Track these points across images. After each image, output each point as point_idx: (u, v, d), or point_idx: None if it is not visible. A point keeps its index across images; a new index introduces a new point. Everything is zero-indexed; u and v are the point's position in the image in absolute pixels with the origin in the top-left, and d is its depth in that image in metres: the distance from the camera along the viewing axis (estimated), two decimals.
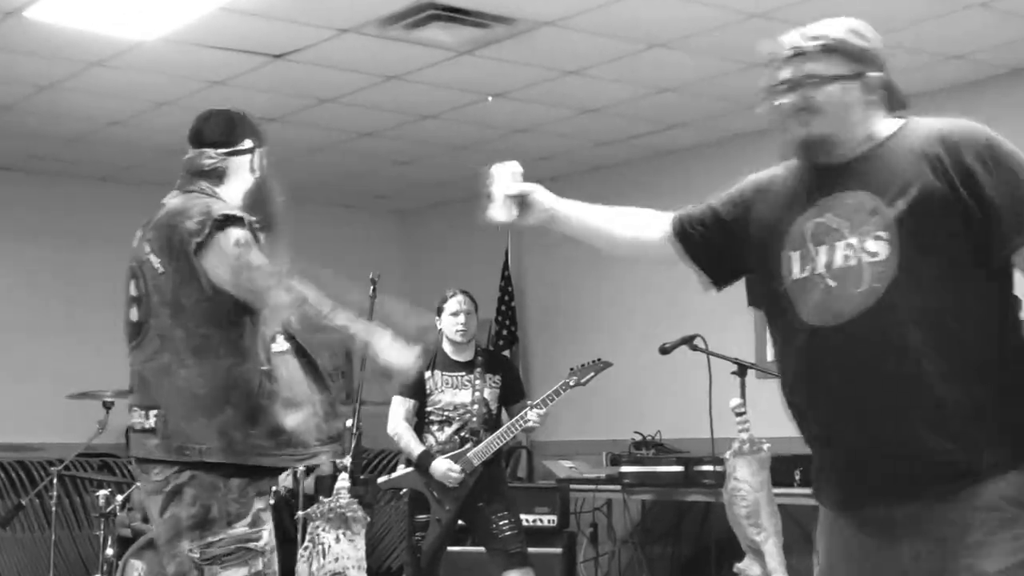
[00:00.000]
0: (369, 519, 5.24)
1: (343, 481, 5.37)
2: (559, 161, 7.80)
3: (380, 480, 5.53)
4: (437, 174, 8.16)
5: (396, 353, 3.04)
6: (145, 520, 6.16)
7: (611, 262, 7.89)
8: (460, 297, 5.59)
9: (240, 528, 3.05)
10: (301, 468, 6.12)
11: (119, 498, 6.09)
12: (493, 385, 5.52)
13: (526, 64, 5.89)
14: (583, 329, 7.93)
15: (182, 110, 6.46)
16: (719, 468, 5.31)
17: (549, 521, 6.36)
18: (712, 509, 5.88)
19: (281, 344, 3.14)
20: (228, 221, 3.06)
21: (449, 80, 6.12)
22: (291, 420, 3.08)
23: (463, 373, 5.50)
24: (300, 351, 3.15)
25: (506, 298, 8.19)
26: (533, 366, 7.94)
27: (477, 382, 5.48)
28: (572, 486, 6.62)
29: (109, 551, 5.91)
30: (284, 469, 3.10)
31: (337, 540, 5.11)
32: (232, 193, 3.23)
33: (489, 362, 5.62)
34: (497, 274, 8.23)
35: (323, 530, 5.11)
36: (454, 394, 5.45)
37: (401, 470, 5.47)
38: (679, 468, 6.04)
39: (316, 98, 6.43)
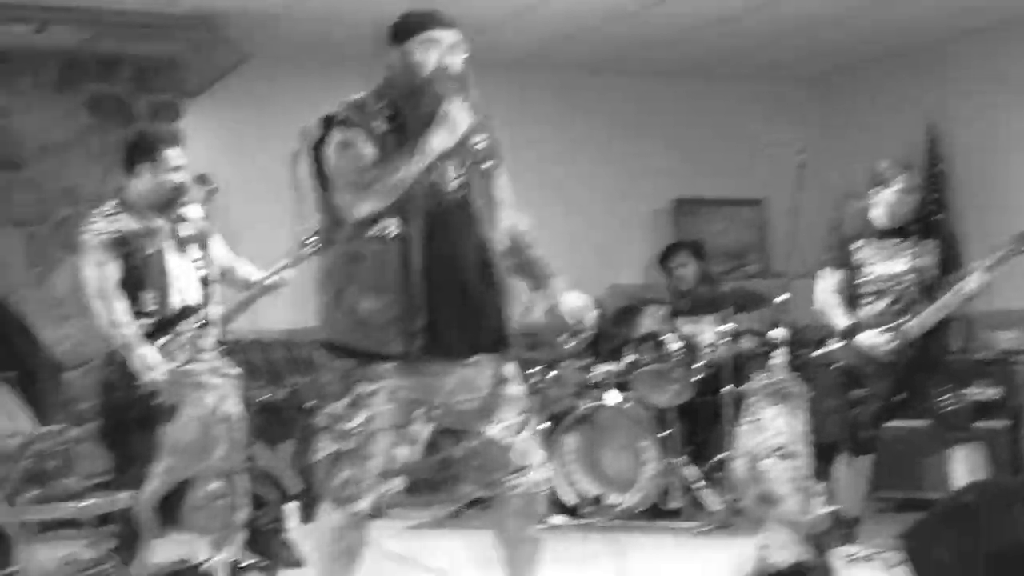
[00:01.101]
0: (810, 394, 5.20)
1: (780, 356, 5.38)
2: (999, 9, 7.34)
3: (813, 354, 5.36)
4: (856, 33, 7.78)
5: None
6: (576, 396, 6.37)
7: None
8: (908, 175, 5.25)
9: (338, 407, 3.23)
10: (727, 343, 6.17)
11: (552, 374, 6.30)
12: (929, 253, 5.22)
13: None
14: (1016, 193, 7.49)
15: None
16: None
17: (993, 394, 6.11)
18: None
19: (390, 227, 3.20)
20: (329, 123, 3.22)
21: None
22: (366, 304, 3.17)
23: (897, 240, 5.23)
24: (401, 239, 3.17)
25: (933, 160, 7.78)
26: (962, 234, 7.51)
27: (913, 250, 5.21)
28: (1016, 358, 6.35)
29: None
30: (378, 356, 3.15)
31: (776, 415, 5.16)
32: (386, 86, 3.33)
33: (925, 229, 5.29)
34: (919, 138, 7.81)
35: (762, 405, 5.15)
36: (887, 265, 5.20)
37: (834, 343, 5.23)
38: None
39: None
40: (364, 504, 3.23)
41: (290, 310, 6.40)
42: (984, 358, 6.50)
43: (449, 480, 6.42)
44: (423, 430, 3.30)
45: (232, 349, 4.88)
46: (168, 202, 4.71)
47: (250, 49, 7.01)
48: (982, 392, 6.03)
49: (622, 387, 6.33)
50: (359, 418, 3.21)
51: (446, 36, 3.28)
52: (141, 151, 4.73)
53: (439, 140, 3.16)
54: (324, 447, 3.27)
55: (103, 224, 4.63)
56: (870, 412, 5.21)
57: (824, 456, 5.22)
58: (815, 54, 8.31)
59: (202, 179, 4.92)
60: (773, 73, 8.79)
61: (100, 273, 4.58)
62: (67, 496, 4.75)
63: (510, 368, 3.40)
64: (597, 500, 6.11)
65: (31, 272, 6.69)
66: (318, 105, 7.64)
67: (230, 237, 5.02)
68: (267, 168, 7.38)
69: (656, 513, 6.08)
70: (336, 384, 3.25)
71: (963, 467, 5.02)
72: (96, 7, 6.47)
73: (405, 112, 3.27)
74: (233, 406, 4.59)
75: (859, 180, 5.42)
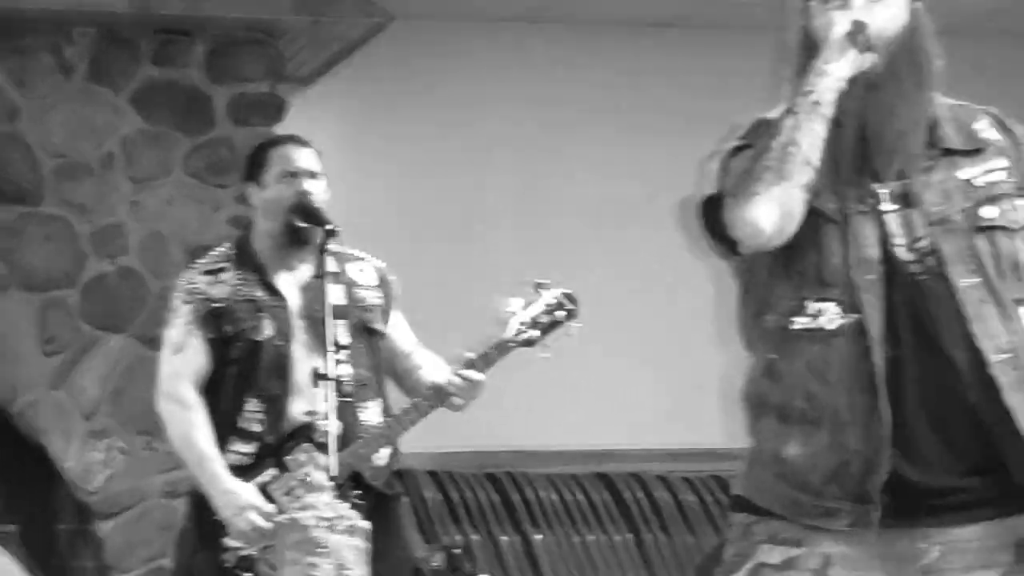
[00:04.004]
0: None
1: None
2: None
3: None
4: None
5: None
6: None
7: None
8: None
9: None
10: None
11: None
12: None
13: None
14: None
15: None
16: None
17: None
18: None
19: (821, 317, 2.99)
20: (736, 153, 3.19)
21: None
22: (792, 448, 3.04)
23: None
24: (860, 337, 2.96)
25: None
26: None
27: None
28: None
29: None
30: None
31: None
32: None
33: None
34: None
35: None
36: None
37: None
38: None
39: None
40: None
41: (444, 423, 6.14)
42: None
43: None
44: None
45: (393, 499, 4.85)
46: (296, 237, 4.67)
47: (390, 9, 6.93)
48: None
49: None
50: None
51: None
52: (246, 168, 4.89)
53: (822, 63, 3.00)
54: None
55: (200, 283, 4.69)
56: None
57: None
58: None
59: (312, 215, 4.78)
60: None
61: (177, 364, 4.69)
62: None
63: None
64: None
65: (48, 363, 6.69)
66: (497, 93, 7.57)
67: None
68: (418, 195, 7.48)
69: None
70: (731, 547, 3.12)
71: None
72: None
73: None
74: None
75: None
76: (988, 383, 2.98)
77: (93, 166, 6.78)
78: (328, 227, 4.71)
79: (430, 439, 6.01)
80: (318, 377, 4.59)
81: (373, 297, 4.81)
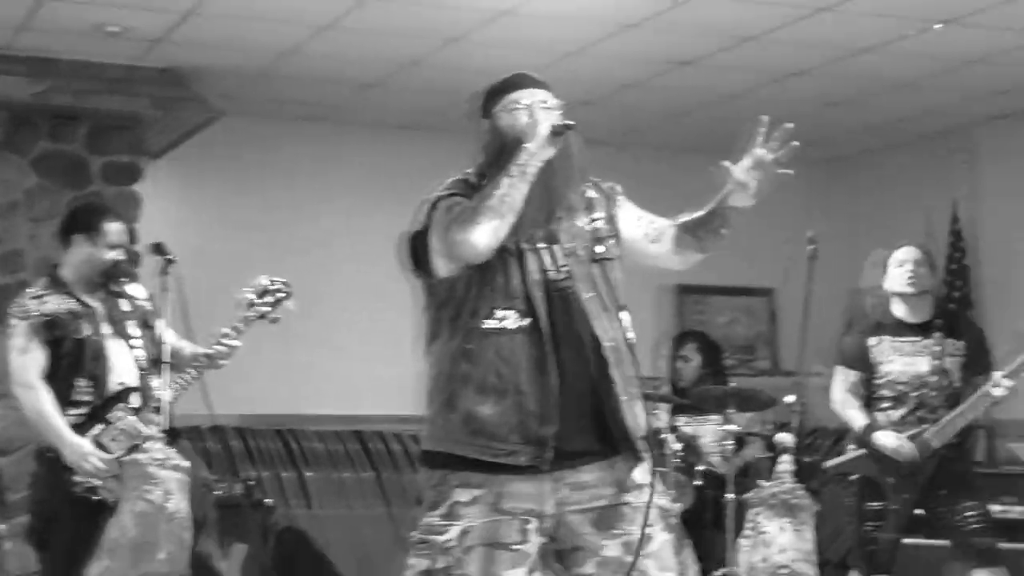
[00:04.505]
0: (818, 507, 5.21)
1: (786, 464, 5.30)
2: (1019, 95, 7.44)
3: (827, 464, 5.30)
4: (873, 116, 7.94)
5: None
6: None
7: None
8: (909, 248, 5.25)
9: (432, 518, 3.20)
10: (730, 446, 5.98)
11: None
12: (955, 352, 5.15)
13: None
14: None
15: (592, 58, 6.65)
16: None
17: (1019, 513, 5.96)
18: None
19: (506, 320, 3.17)
20: (435, 205, 3.25)
21: (888, 7, 5.93)
22: (485, 409, 3.14)
23: (918, 338, 5.16)
24: (534, 334, 3.16)
25: (956, 255, 7.82)
26: (991, 332, 7.49)
27: (936, 349, 5.12)
28: None
29: None
30: (488, 463, 3.10)
31: (782, 530, 5.08)
32: (482, 162, 3.35)
33: (951, 325, 5.23)
34: (944, 228, 7.81)
35: (765, 518, 5.11)
36: (908, 364, 5.12)
37: (851, 452, 5.19)
38: None
39: (736, 36, 6.36)
40: None
41: (246, 393, 6.74)
42: (1009, 472, 6.45)
43: None
44: (533, 546, 3.20)
45: (180, 438, 4.92)
46: (102, 280, 4.85)
47: (221, 107, 7.12)
48: (1007, 509, 5.89)
49: None
50: (454, 532, 3.17)
51: (534, 95, 3.31)
52: (77, 222, 4.92)
53: (531, 146, 3.18)
54: (415, 564, 3.22)
55: (31, 305, 4.78)
56: (888, 529, 5.10)
57: None
58: (830, 136, 8.35)
59: (158, 248, 4.91)
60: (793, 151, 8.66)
61: (24, 360, 4.73)
62: None
63: (640, 472, 3.27)
64: None
65: None
66: (291, 169, 7.57)
67: (190, 313, 5.00)
68: (234, 237, 7.61)
69: None
70: (431, 492, 3.22)
71: None
72: (51, 57, 6.62)
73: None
74: (180, 502, 4.60)
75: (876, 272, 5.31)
76: (603, 362, 3.18)
77: (2, 209, 6.86)
78: (168, 256, 4.87)
79: (236, 405, 6.52)
80: (159, 362, 4.76)
81: (147, 305, 4.92)
